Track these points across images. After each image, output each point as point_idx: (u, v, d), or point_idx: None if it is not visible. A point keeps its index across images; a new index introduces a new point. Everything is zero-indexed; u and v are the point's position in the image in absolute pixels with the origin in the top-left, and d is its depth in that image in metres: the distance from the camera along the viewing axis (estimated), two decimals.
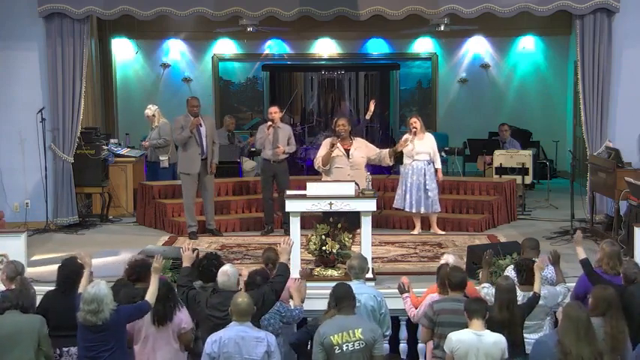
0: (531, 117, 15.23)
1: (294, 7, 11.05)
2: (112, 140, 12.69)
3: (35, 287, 6.85)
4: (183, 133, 10.27)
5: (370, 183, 8.56)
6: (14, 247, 7.95)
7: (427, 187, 10.37)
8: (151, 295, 6.08)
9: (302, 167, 13.82)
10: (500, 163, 12.24)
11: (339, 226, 8.27)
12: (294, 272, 7.36)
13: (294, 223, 8.13)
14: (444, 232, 10.64)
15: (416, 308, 6.79)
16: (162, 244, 9.88)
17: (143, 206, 11.49)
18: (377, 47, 15.64)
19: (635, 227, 8.47)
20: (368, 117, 10.86)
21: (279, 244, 6.75)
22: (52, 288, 6.64)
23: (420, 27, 13.56)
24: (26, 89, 11.19)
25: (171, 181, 11.70)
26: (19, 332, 5.97)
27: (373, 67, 16.14)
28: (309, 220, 8.99)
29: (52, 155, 11.14)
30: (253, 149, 12.70)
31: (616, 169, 9.72)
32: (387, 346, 7.24)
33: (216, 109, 15.53)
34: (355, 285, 6.29)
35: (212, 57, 15.63)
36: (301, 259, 8.19)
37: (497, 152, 12.40)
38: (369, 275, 7.48)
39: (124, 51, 15.38)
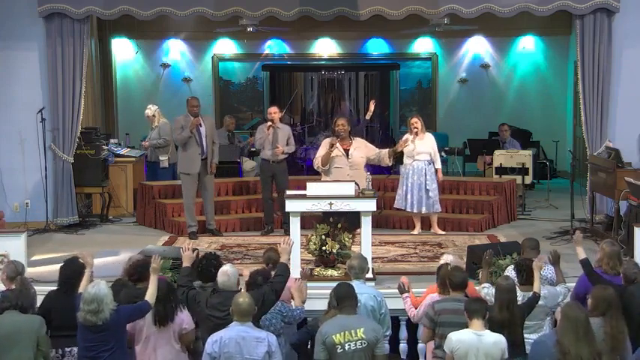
0: (531, 117, 15.23)
1: (294, 7, 11.05)
2: (112, 140, 12.69)
3: (35, 287, 6.84)
4: (183, 133, 10.27)
5: (370, 183, 8.55)
6: (14, 247, 7.94)
7: (428, 187, 10.38)
8: (150, 296, 6.09)
9: (302, 167, 13.81)
10: (500, 163, 12.24)
11: (339, 226, 8.26)
12: (295, 272, 7.37)
13: (294, 223, 8.13)
14: (444, 232, 10.64)
15: (416, 308, 6.79)
16: (162, 244, 9.87)
17: (143, 206, 11.49)
18: (377, 47, 15.64)
19: (635, 227, 8.47)
20: (368, 117, 10.87)
21: (279, 244, 6.75)
22: (54, 288, 6.65)
23: (420, 27, 13.56)
24: (26, 89, 11.19)
25: (171, 181, 11.70)
26: (17, 332, 5.97)
27: (373, 67, 16.14)
28: (309, 220, 8.99)
29: (52, 155, 11.14)
30: (253, 149, 12.70)
31: (616, 169, 9.72)
32: (387, 346, 7.21)
33: (216, 109, 15.53)
34: (355, 285, 6.27)
35: (212, 57, 15.64)
36: (301, 259, 8.19)
37: (497, 152, 12.40)
38: (369, 275, 7.48)
39: (124, 51, 15.38)
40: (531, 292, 6.34)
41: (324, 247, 8.20)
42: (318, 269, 8.30)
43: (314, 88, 16.13)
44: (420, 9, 11.05)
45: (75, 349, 6.20)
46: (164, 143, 11.93)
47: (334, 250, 8.20)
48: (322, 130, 15.08)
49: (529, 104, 15.40)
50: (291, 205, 8.18)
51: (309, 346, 6.45)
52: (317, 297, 7.13)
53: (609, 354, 5.67)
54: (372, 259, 8.13)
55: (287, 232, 8.74)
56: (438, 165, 10.55)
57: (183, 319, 6.25)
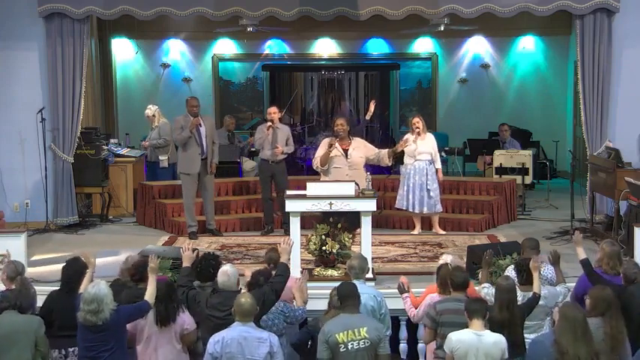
0: (531, 117, 15.23)
1: (294, 7, 11.05)
2: (112, 140, 12.69)
3: (35, 287, 6.85)
4: (183, 133, 10.27)
5: (370, 183, 8.55)
6: (14, 247, 7.93)
7: (429, 187, 10.37)
8: (150, 295, 6.09)
9: (302, 167, 13.81)
10: (500, 163, 12.24)
11: (339, 226, 8.26)
12: (295, 272, 7.37)
13: (294, 223, 8.13)
14: (445, 232, 10.64)
15: (416, 308, 6.79)
16: (162, 244, 9.87)
17: (143, 206, 11.49)
18: (377, 47, 15.64)
19: (635, 227, 8.47)
20: (368, 117, 10.86)
21: (279, 244, 6.75)
22: (55, 288, 6.65)
23: (420, 27, 13.56)
24: (26, 89, 11.19)
25: (171, 181, 11.71)
26: (16, 332, 5.97)
27: (373, 67, 16.14)
28: (309, 220, 8.99)
29: (52, 155, 11.14)
30: (253, 149, 12.70)
31: (616, 169, 9.72)
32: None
33: (216, 109, 15.52)
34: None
35: (212, 57, 15.63)
36: (301, 259, 8.20)
37: (497, 152, 12.40)
38: (369, 275, 7.48)
39: (124, 51, 15.38)
40: (531, 293, 6.34)
41: (324, 247, 8.20)
42: (318, 269, 8.30)
43: (314, 88, 16.13)
44: (420, 9, 11.05)
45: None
46: (164, 143, 11.93)
47: (334, 250, 8.20)
48: (322, 130, 15.07)
49: (529, 104, 15.40)
50: (291, 205, 8.18)
51: (308, 346, 6.47)
52: (317, 297, 7.13)
53: (609, 354, 5.68)
54: (372, 259, 8.13)
55: (287, 232, 8.74)
56: (439, 165, 10.55)
57: (185, 319, 6.25)
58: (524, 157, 12.20)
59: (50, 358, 6.25)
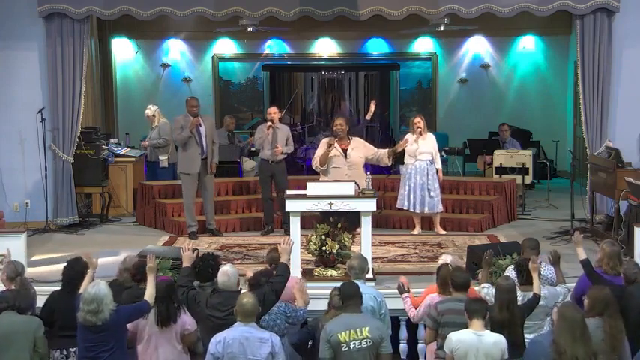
0: (531, 117, 15.23)
1: (294, 7, 11.05)
2: (112, 140, 12.69)
3: (35, 287, 6.85)
4: (182, 133, 10.27)
5: (370, 183, 8.55)
6: (14, 247, 7.93)
7: (430, 187, 10.37)
8: (149, 295, 6.10)
9: (302, 167, 13.81)
10: (500, 163, 12.24)
11: (339, 226, 8.26)
12: (295, 272, 7.36)
13: (294, 223, 8.13)
14: (446, 232, 10.63)
15: (415, 308, 6.79)
16: (162, 244, 9.87)
17: (143, 206, 11.49)
18: (377, 47, 15.63)
19: (635, 227, 8.47)
20: (369, 117, 10.85)
21: (279, 244, 6.75)
22: (56, 288, 6.65)
23: (420, 27, 13.56)
24: (26, 89, 11.19)
25: (171, 181, 11.70)
26: (14, 333, 5.97)
27: (373, 67, 16.13)
28: (309, 220, 8.99)
29: (52, 155, 11.14)
30: (253, 149, 12.70)
31: (616, 169, 9.72)
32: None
33: (216, 109, 15.52)
34: None
35: (212, 57, 15.63)
36: (301, 259, 8.20)
37: (497, 152, 12.40)
38: (369, 275, 7.48)
39: (124, 51, 15.38)
40: (531, 293, 6.33)
41: (324, 247, 8.20)
42: (318, 269, 8.30)
43: (314, 88, 16.13)
44: (420, 9, 11.05)
45: None
46: (164, 143, 11.93)
47: (334, 250, 8.20)
48: (322, 130, 15.08)
49: (529, 104, 15.40)
50: (291, 205, 8.18)
51: (308, 347, 6.47)
52: (317, 297, 7.13)
53: (609, 354, 5.68)
54: (372, 259, 8.13)
55: (287, 232, 8.74)
56: (439, 165, 10.55)
57: (186, 319, 6.25)
58: (524, 157, 12.20)
59: (52, 358, 6.25)
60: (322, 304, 6.68)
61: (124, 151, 12.59)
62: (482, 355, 5.69)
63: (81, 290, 6.15)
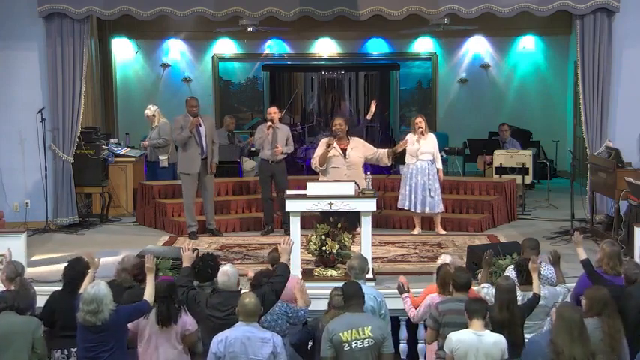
0: (531, 117, 15.23)
1: (294, 7, 11.05)
2: (112, 140, 12.69)
3: (35, 287, 6.84)
4: (182, 133, 10.27)
5: (370, 183, 8.56)
6: (14, 247, 7.93)
7: (430, 187, 10.38)
8: (149, 295, 6.10)
9: (302, 167, 13.81)
10: (500, 163, 12.24)
11: (339, 226, 8.26)
12: (295, 272, 7.36)
13: (294, 223, 8.13)
14: (446, 232, 10.63)
15: (415, 308, 6.79)
16: (162, 244, 9.87)
17: (143, 206, 11.49)
18: (377, 47, 15.63)
19: (635, 227, 8.47)
20: (369, 117, 10.85)
21: (279, 244, 6.75)
22: (57, 288, 6.65)
23: (420, 27, 13.56)
24: (26, 89, 11.19)
25: (171, 181, 11.71)
26: (13, 333, 5.96)
27: (373, 67, 16.13)
28: (309, 220, 8.99)
29: (52, 155, 11.14)
30: (253, 149, 12.70)
31: (616, 169, 9.72)
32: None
33: (216, 109, 15.52)
34: None
35: (212, 57, 15.63)
36: (301, 259, 8.20)
37: (497, 152, 12.40)
38: (369, 275, 7.47)
39: (124, 51, 15.38)
40: (531, 293, 6.33)
41: (324, 247, 8.20)
42: (318, 269, 8.30)
43: (314, 88, 16.13)
44: (420, 9, 11.05)
45: None
46: (164, 143, 11.93)
47: (334, 250, 8.20)
48: (322, 130, 15.07)
49: (529, 104, 15.40)
50: (291, 205, 8.18)
51: (308, 347, 6.46)
52: (317, 297, 7.13)
53: (608, 354, 5.68)
54: (372, 259, 8.13)
55: (287, 232, 8.74)
56: (439, 165, 10.55)
57: (186, 320, 6.25)
58: (524, 157, 12.20)
59: (53, 358, 6.25)
60: (322, 304, 6.68)
61: (124, 151, 12.59)
62: (483, 355, 5.69)
63: (81, 290, 6.14)
